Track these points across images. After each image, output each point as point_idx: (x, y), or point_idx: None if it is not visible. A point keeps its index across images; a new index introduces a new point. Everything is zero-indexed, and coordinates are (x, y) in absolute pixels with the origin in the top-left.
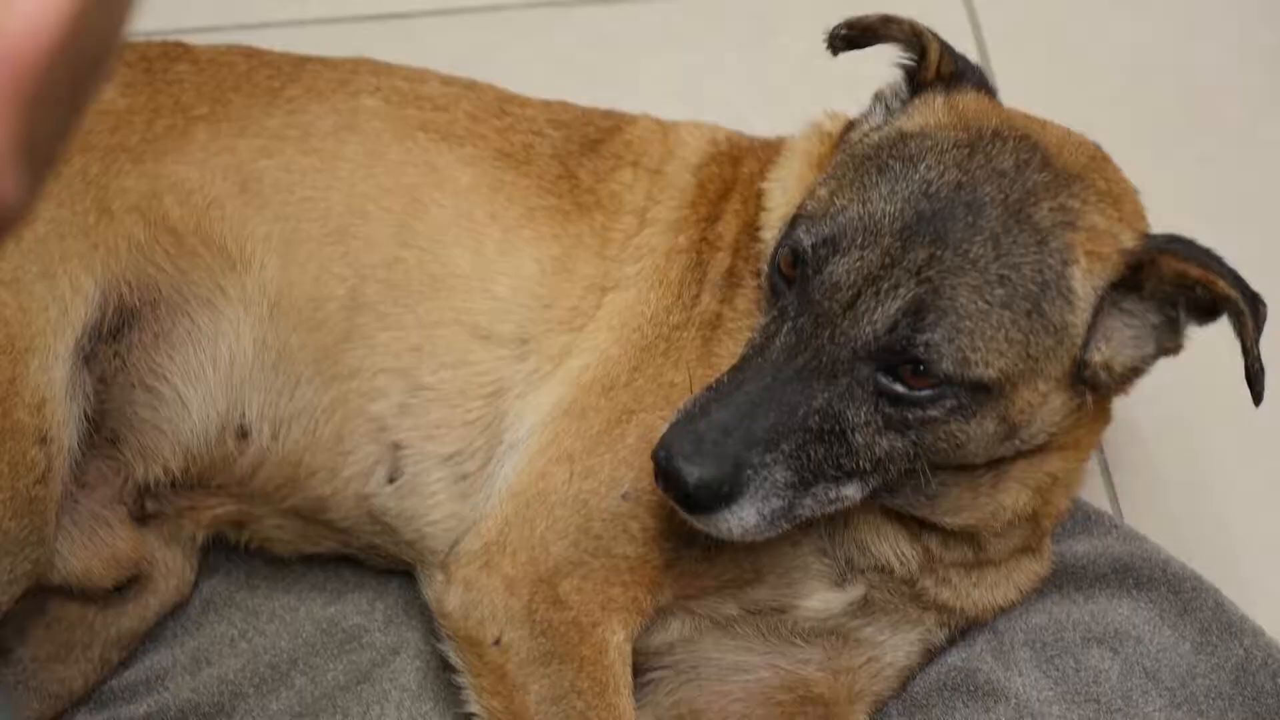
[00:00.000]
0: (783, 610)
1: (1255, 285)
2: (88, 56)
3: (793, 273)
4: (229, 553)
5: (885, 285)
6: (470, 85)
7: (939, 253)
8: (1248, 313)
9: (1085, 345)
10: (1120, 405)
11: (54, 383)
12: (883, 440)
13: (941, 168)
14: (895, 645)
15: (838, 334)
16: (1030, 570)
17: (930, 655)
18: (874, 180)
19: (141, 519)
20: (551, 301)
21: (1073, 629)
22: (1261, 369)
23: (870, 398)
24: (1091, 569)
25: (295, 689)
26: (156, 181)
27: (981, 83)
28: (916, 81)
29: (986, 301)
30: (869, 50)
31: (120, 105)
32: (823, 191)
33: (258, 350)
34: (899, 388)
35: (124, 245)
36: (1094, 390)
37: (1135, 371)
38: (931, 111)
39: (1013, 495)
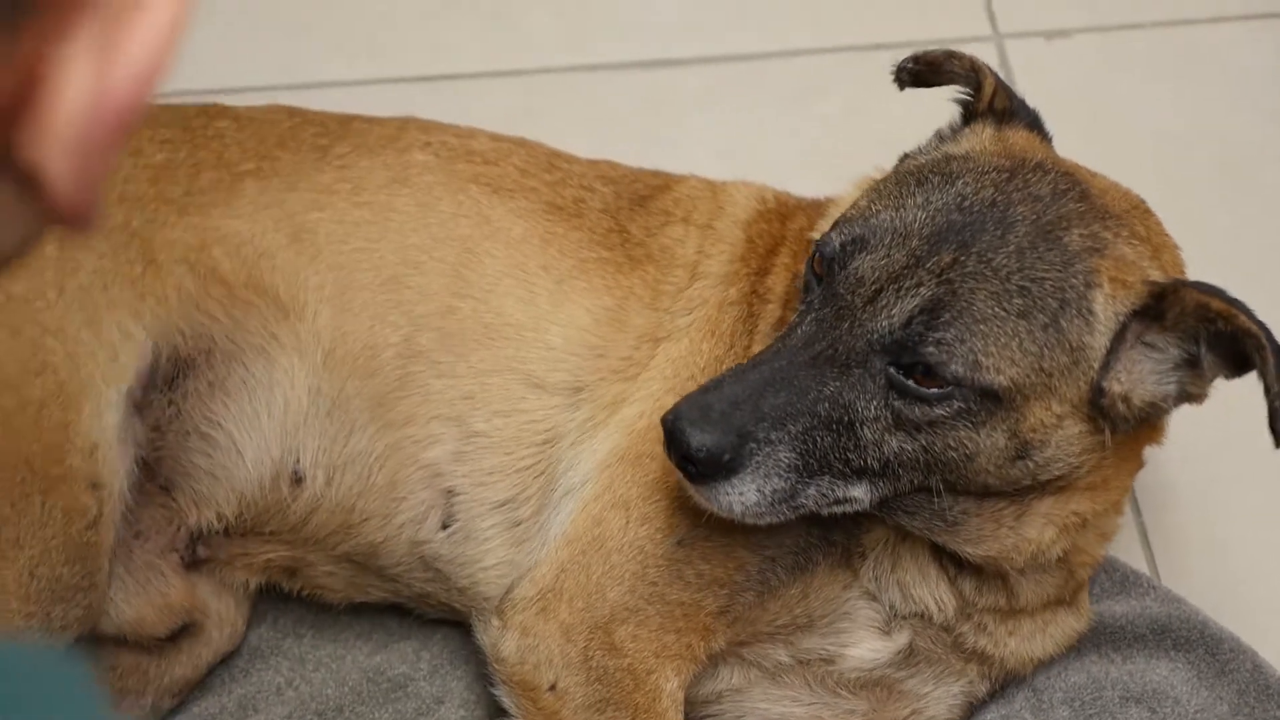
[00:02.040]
0: (831, 660)
1: None
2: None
3: (823, 270)
4: (276, 601)
5: (907, 283)
6: (520, 142)
7: (962, 258)
8: (1269, 349)
9: (1104, 371)
10: (1159, 466)
11: (106, 429)
12: (892, 440)
13: (979, 185)
14: (939, 698)
15: (856, 326)
16: (1067, 624)
17: (971, 710)
18: (911, 191)
19: (193, 565)
20: (605, 351)
21: (1111, 688)
22: None
23: (881, 391)
24: (1130, 629)
25: None
26: (204, 234)
27: (1037, 125)
28: (969, 113)
29: (1004, 309)
30: (910, 114)
31: (158, 159)
32: (863, 202)
33: (312, 397)
34: (909, 383)
35: (174, 296)
36: (1113, 426)
37: (1155, 410)
38: (979, 140)
39: (1037, 529)
